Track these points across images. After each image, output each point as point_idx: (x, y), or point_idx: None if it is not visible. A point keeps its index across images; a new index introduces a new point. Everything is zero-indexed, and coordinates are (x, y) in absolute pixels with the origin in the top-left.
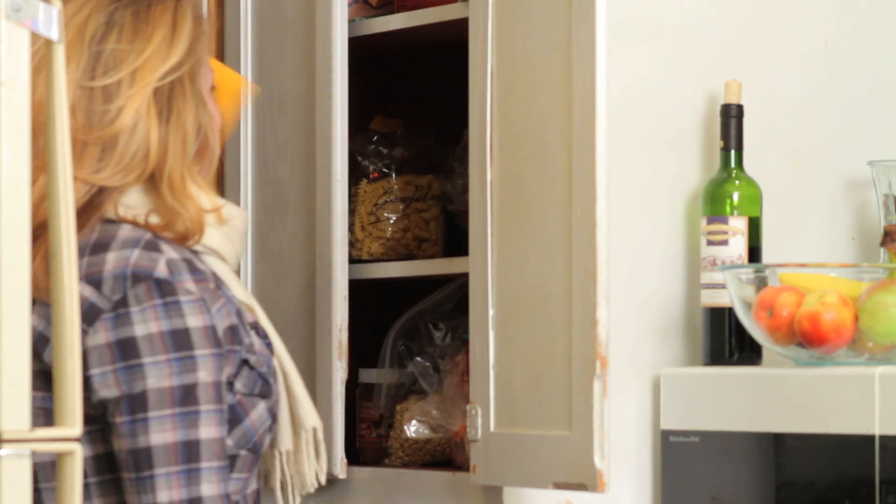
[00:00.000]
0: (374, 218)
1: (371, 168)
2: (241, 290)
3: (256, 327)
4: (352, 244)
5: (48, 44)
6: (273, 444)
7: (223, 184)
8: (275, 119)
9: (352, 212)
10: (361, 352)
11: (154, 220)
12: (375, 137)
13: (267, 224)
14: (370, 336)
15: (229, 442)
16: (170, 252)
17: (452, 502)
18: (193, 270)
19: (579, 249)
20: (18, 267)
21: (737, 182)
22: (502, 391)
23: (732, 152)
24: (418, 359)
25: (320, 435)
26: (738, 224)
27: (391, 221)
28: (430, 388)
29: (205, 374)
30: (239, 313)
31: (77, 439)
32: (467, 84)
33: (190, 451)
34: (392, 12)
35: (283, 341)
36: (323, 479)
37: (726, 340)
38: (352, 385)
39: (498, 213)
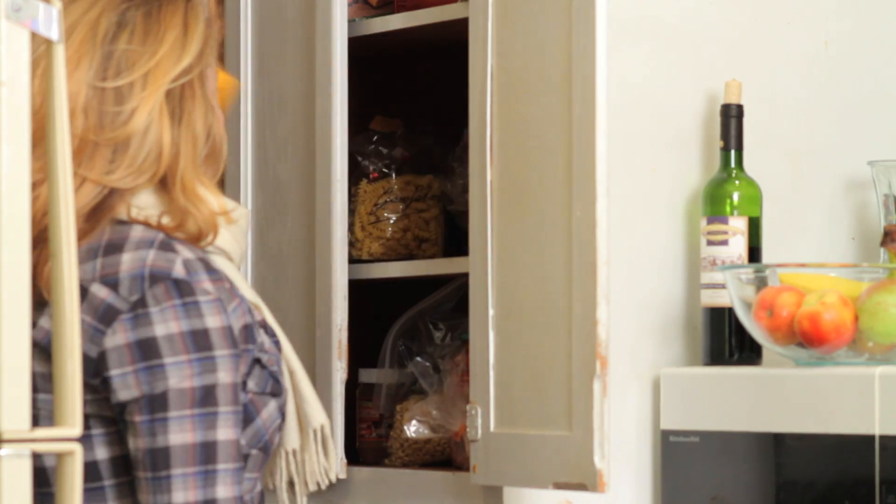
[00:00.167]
0: (374, 218)
1: (371, 168)
2: (248, 290)
3: (265, 326)
4: (352, 244)
5: (48, 44)
6: (279, 443)
7: (223, 184)
8: (275, 119)
9: (352, 212)
10: (361, 352)
11: (166, 220)
12: (375, 137)
13: (267, 224)
14: (370, 336)
15: (241, 441)
16: (185, 252)
17: (452, 502)
18: (210, 270)
19: (579, 249)
20: (18, 267)
21: (737, 182)
22: (502, 391)
23: (732, 152)
24: (418, 359)
25: (328, 432)
26: (738, 224)
27: (391, 221)
28: (430, 388)
29: (224, 375)
30: (251, 312)
31: (77, 439)
32: (467, 84)
33: (207, 453)
34: (392, 12)
35: None
36: (333, 477)
37: (726, 340)
38: (352, 385)
39: (498, 213)
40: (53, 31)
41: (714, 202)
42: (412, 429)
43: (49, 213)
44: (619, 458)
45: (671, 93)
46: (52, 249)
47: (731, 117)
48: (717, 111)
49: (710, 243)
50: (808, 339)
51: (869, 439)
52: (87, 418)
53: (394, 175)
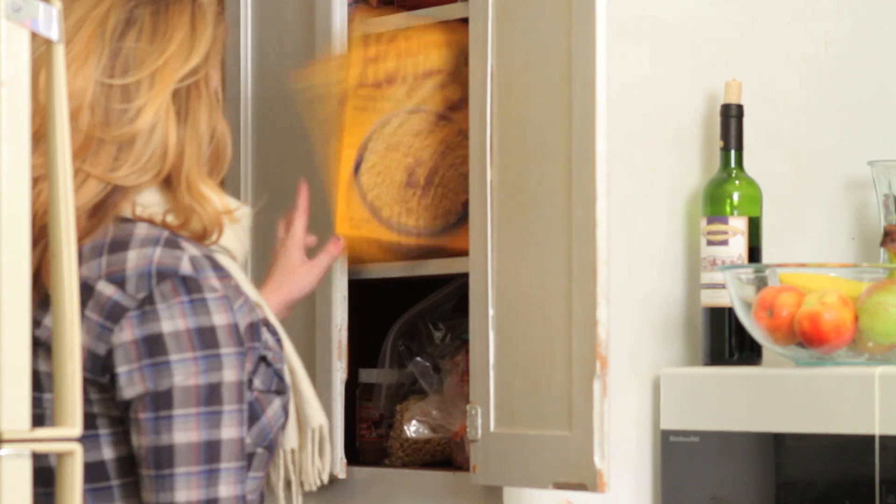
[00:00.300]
0: None
1: None
2: (251, 288)
3: (267, 324)
4: None
5: (48, 44)
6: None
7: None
8: (275, 119)
9: None
10: (361, 352)
11: (171, 219)
12: None
13: (266, 224)
14: (370, 336)
15: (247, 440)
16: (191, 249)
17: (452, 502)
18: (216, 267)
19: (579, 249)
20: (18, 267)
21: (737, 182)
22: (502, 391)
23: (732, 152)
24: (418, 359)
25: (326, 433)
26: (738, 224)
27: None
28: (430, 388)
29: (229, 374)
30: (255, 310)
31: (77, 439)
32: (467, 84)
33: (212, 452)
34: (392, 12)
35: None
36: (325, 478)
37: (726, 340)
38: (352, 385)
39: (498, 213)
40: (53, 31)
41: (714, 202)
42: (412, 429)
43: (49, 212)
44: (619, 458)
45: (671, 93)
46: (52, 249)
47: (731, 117)
48: (717, 111)
49: (710, 243)
50: (808, 339)
51: (869, 439)
52: (94, 417)
53: None
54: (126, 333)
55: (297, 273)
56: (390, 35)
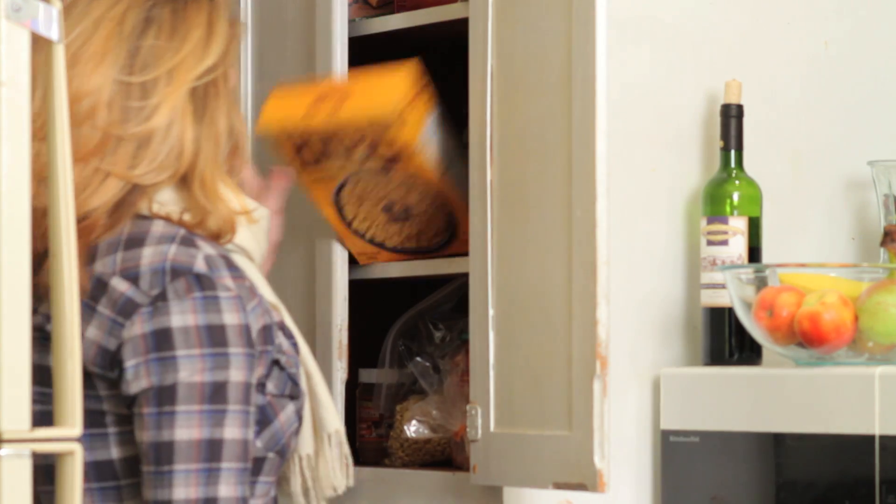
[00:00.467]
0: None
1: None
2: (267, 290)
3: (283, 327)
4: None
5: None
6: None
7: None
8: None
9: None
10: (361, 352)
11: (187, 217)
12: None
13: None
14: (370, 336)
15: (258, 444)
16: (207, 248)
17: (452, 502)
18: (231, 267)
19: (579, 249)
20: (18, 267)
21: (737, 182)
22: (502, 391)
23: (732, 152)
24: (418, 359)
25: (342, 438)
26: (738, 224)
27: None
28: (430, 388)
29: (236, 373)
30: (269, 313)
31: (77, 439)
32: (467, 84)
33: (213, 450)
34: (392, 12)
35: None
36: (350, 482)
37: (726, 340)
38: (352, 385)
39: (498, 213)
40: (53, 31)
41: (714, 202)
42: (412, 429)
43: (49, 213)
44: (619, 458)
45: (671, 93)
46: (52, 249)
47: (731, 117)
48: (717, 111)
49: (710, 243)
50: (808, 339)
51: (869, 439)
52: (103, 415)
53: None
54: (136, 328)
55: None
56: (310, 129)
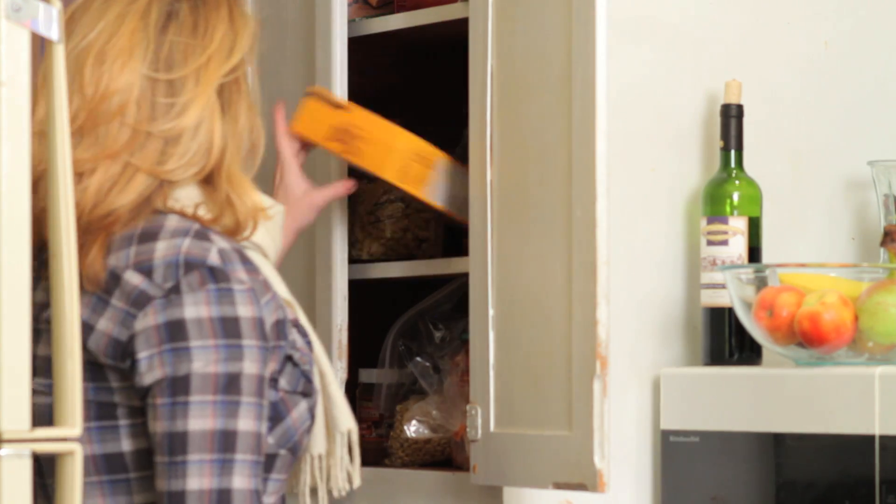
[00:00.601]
0: (373, 218)
1: None
2: (281, 286)
3: (297, 325)
4: (351, 244)
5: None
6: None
7: None
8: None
9: (351, 212)
10: (361, 352)
11: (202, 212)
12: None
13: None
14: (370, 336)
15: (270, 440)
16: (220, 242)
17: (452, 502)
18: (245, 261)
19: (579, 249)
20: (18, 267)
21: (737, 182)
22: (502, 391)
23: (732, 152)
24: (418, 359)
25: (355, 437)
26: (738, 224)
27: (391, 221)
28: (430, 388)
29: (249, 366)
30: (283, 308)
31: (77, 439)
32: (467, 84)
33: (227, 441)
34: (392, 12)
35: None
36: (357, 483)
37: (726, 340)
38: (352, 385)
39: (498, 213)
40: (53, 31)
41: (714, 202)
42: (412, 429)
43: (49, 213)
44: (619, 458)
45: (671, 93)
46: (52, 249)
47: (731, 117)
48: (717, 111)
49: (710, 243)
50: (808, 339)
51: (869, 439)
52: (115, 407)
53: None
54: (149, 319)
55: (300, 205)
56: (329, 151)
